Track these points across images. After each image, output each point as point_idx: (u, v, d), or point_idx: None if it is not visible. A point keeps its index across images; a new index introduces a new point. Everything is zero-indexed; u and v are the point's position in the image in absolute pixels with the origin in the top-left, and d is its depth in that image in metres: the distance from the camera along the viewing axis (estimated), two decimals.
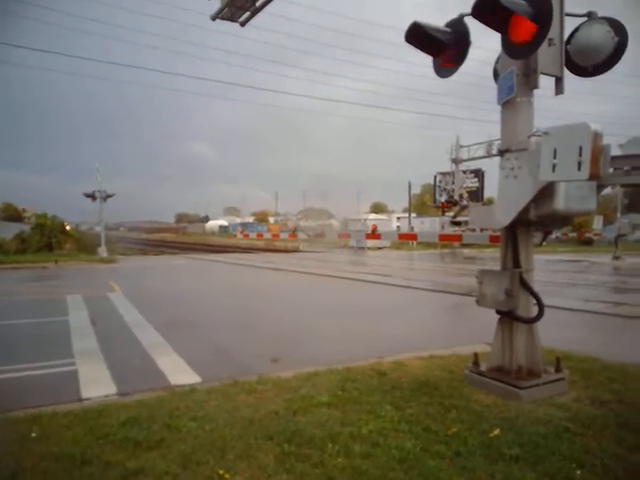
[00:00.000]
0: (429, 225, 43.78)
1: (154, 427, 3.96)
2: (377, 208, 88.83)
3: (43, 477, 3.21)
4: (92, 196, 26.35)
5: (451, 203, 32.10)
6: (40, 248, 26.88)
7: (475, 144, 32.09)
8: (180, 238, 69.29)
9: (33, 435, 3.84)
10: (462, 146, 33.00)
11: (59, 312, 9.90)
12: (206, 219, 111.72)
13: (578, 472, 3.23)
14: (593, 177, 3.89)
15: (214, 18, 7.47)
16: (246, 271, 21.25)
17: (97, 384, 5.40)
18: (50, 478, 3.20)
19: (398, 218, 54.60)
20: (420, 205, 65.01)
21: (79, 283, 15.44)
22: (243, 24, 7.57)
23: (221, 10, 7.30)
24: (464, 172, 34.90)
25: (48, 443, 3.69)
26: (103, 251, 26.36)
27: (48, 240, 27.41)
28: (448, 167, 34.87)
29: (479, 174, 36.09)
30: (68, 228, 30.30)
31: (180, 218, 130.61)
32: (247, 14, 7.42)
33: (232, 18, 7.48)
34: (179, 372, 5.86)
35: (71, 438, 3.77)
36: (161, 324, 8.67)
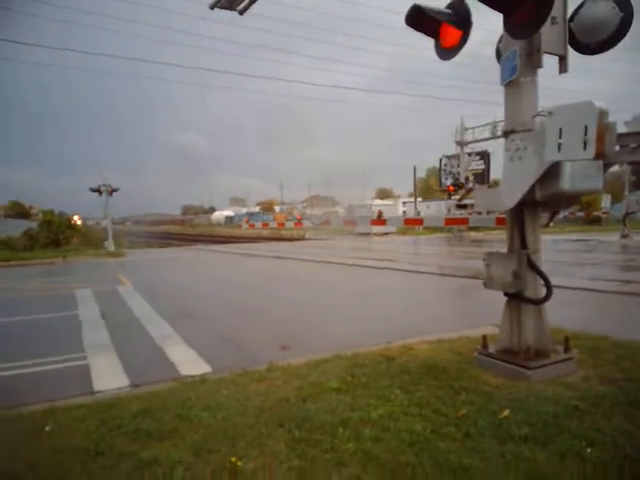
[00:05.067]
0: (435, 209, 43.67)
1: (166, 417, 4.01)
2: (383, 194, 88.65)
3: (58, 469, 3.27)
4: (98, 190, 26.45)
5: (457, 186, 31.92)
6: (48, 244, 27.07)
7: (480, 126, 31.88)
8: (186, 230, 69.45)
9: (47, 429, 3.90)
10: (467, 128, 32.78)
11: (69, 307, 9.99)
12: (212, 210, 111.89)
13: (588, 450, 3.24)
14: (599, 156, 3.85)
15: (212, 7, 7.39)
16: (252, 261, 21.31)
17: (109, 377, 5.46)
18: (65, 470, 3.25)
19: (404, 203, 54.49)
20: (426, 189, 64.78)
21: (88, 277, 15.55)
22: (242, 12, 7.49)
23: None
24: (469, 154, 34.68)
25: (62, 436, 3.75)
26: (110, 245, 26.49)
27: (55, 236, 27.60)
28: (453, 150, 34.67)
29: (485, 156, 35.83)
30: (79, 222, 30.49)
31: (186, 210, 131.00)
32: (246, 2, 7.34)
33: (231, 7, 7.41)
34: (189, 362, 5.91)
35: (84, 430, 3.82)
36: (170, 316, 8.73)
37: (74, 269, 18.89)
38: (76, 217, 30.53)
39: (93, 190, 26.47)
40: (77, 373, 5.68)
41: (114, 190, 26.97)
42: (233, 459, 3.25)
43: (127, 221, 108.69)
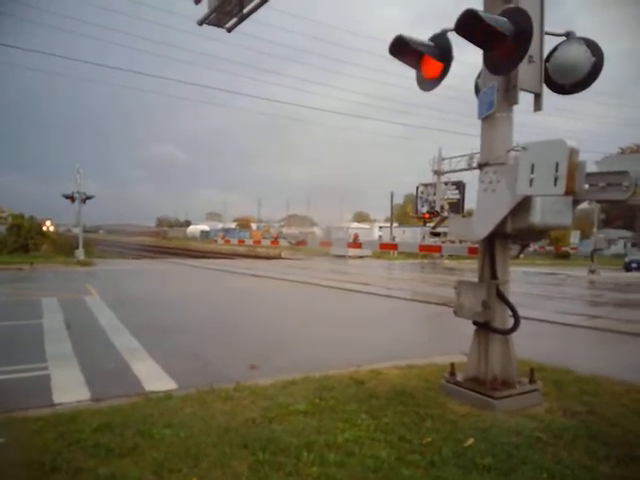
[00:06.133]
0: (410, 235, 44.12)
1: (127, 434, 3.91)
2: (360, 217, 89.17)
3: None
4: (71, 197, 25.81)
5: (432, 214, 32.40)
6: (16, 249, 26.38)
7: (457, 156, 32.47)
8: (160, 242, 68.44)
9: (1, 441, 3.76)
10: (444, 158, 33.36)
11: (33, 315, 9.71)
12: (187, 224, 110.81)
13: None
14: (569, 192, 3.98)
15: (201, 23, 7.45)
16: (225, 277, 21.11)
17: (70, 389, 5.30)
18: None
19: (380, 227, 54.87)
20: (402, 215, 65.46)
21: (55, 286, 15.16)
22: (230, 30, 7.57)
23: (208, 15, 7.30)
24: (445, 184, 35.31)
25: (17, 449, 3.62)
26: (81, 254, 25.81)
27: (24, 241, 26.94)
28: (430, 178, 35.23)
29: (460, 186, 36.56)
30: (52, 228, 29.77)
31: (161, 222, 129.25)
32: (234, 20, 7.42)
33: (219, 24, 7.48)
34: (154, 378, 5.79)
35: (41, 444, 3.69)
36: (137, 329, 8.56)
37: (42, 276, 18.40)
38: (48, 222, 29.78)
39: (66, 197, 25.72)
40: (37, 384, 5.51)
41: (88, 198, 26.27)
42: (194, 479, 3.18)
43: (100, 230, 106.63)
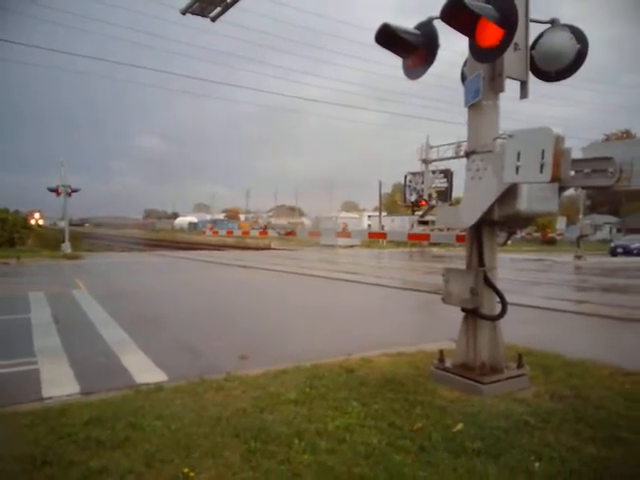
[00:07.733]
0: (399, 224, 44.29)
1: (118, 426, 3.91)
2: (348, 207, 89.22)
3: (1, 479, 3.13)
4: (56, 190, 25.51)
5: (416, 203, 32.58)
6: (1, 244, 26.07)
7: (444, 145, 32.62)
8: (148, 234, 68.03)
9: None
10: (432, 147, 33.49)
11: (21, 309, 9.63)
12: (175, 215, 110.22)
13: (537, 464, 3.33)
14: (555, 179, 4.01)
15: (184, 12, 7.38)
16: (214, 268, 21.06)
17: (59, 383, 5.28)
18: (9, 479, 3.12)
19: (369, 216, 55.01)
20: (391, 204, 65.62)
21: (42, 280, 15.02)
22: (214, 19, 7.50)
23: (191, 5, 7.23)
24: (433, 172, 35.48)
25: (7, 444, 3.60)
26: (67, 247, 25.55)
27: (10, 235, 26.66)
28: (418, 167, 35.36)
29: (448, 174, 36.79)
30: (41, 221, 29.42)
31: (148, 214, 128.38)
32: (218, 9, 7.36)
33: (203, 13, 7.42)
34: (145, 370, 5.78)
35: (32, 438, 3.68)
36: (127, 322, 8.52)
37: (29, 271, 18.21)
38: (37, 215, 29.29)
39: (51, 190, 25.41)
40: (26, 378, 5.47)
41: (74, 191, 25.97)
42: (186, 470, 3.19)
43: (86, 223, 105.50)
